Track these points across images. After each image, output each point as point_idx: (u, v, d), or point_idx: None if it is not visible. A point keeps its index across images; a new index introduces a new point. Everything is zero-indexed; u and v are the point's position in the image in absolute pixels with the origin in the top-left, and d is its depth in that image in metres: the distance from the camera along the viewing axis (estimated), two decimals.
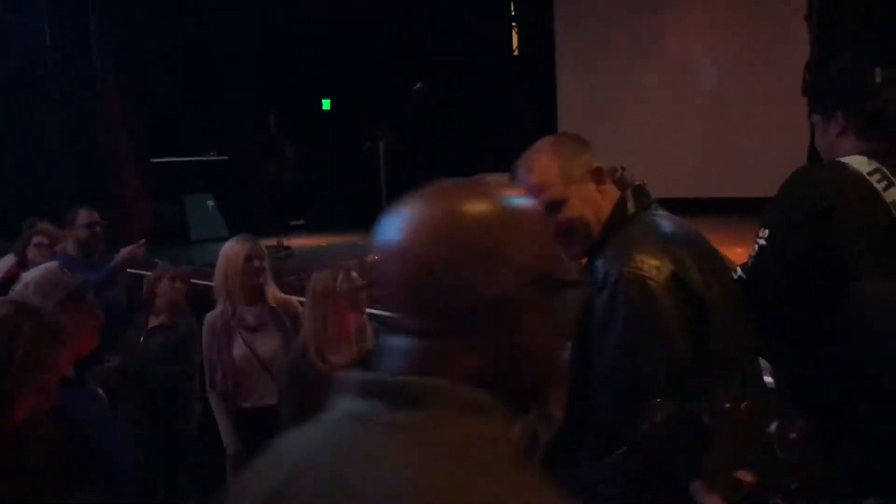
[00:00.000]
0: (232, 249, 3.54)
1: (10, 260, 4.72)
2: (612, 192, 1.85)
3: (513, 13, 12.97)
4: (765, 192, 3.05)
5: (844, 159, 2.00)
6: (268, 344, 3.51)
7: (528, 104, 12.60)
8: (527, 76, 12.72)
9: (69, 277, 2.27)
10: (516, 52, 13.04)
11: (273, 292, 3.63)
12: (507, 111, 12.33)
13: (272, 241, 8.80)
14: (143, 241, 4.31)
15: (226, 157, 10.71)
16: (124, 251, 4.21)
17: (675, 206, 4.11)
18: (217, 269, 3.56)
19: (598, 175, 1.84)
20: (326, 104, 12.58)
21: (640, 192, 1.85)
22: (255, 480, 0.89)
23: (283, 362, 3.33)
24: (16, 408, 1.69)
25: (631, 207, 1.79)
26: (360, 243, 9.01)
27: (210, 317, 3.55)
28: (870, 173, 1.92)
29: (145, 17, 9.57)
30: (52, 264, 2.47)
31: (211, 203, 10.34)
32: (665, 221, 1.80)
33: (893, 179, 1.91)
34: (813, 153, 3.44)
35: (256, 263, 3.52)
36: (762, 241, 1.93)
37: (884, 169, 1.93)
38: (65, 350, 1.81)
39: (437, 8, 11.50)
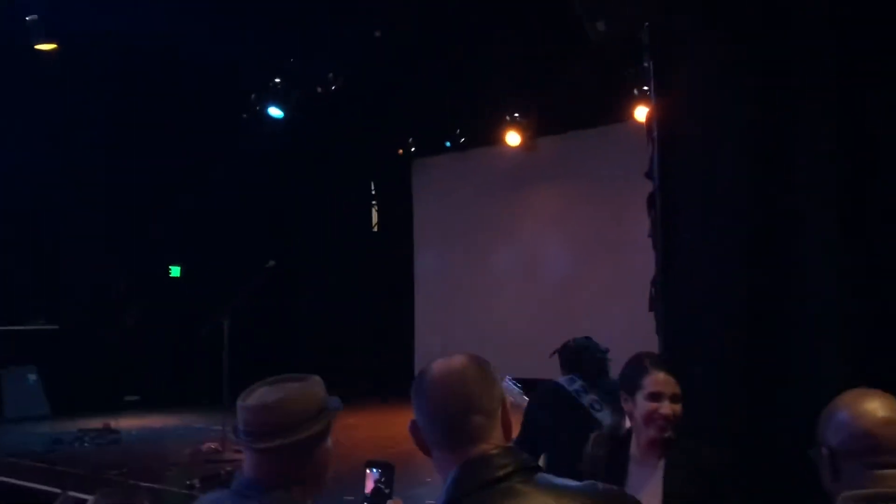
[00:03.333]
0: None
1: None
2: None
3: (373, 192, 13.31)
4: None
5: None
6: None
7: (387, 279, 12.68)
8: (385, 252, 12.89)
9: None
10: (376, 229, 13.26)
11: None
12: (364, 287, 12.34)
13: (97, 423, 8.08)
14: None
15: (56, 326, 9.91)
16: None
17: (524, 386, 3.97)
18: None
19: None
20: (176, 271, 12.12)
21: (477, 465, 1.42)
22: None
23: None
24: None
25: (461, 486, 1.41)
26: (195, 425, 8.41)
27: None
28: None
29: None
30: None
31: (33, 377, 9.43)
32: None
33: None
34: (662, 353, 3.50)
35: None
36: None
37: None
38: None
39: (295, 185, 11.62)
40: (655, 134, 3.42)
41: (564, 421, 3.32)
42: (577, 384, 3.44)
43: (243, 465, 1.82)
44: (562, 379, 3.52)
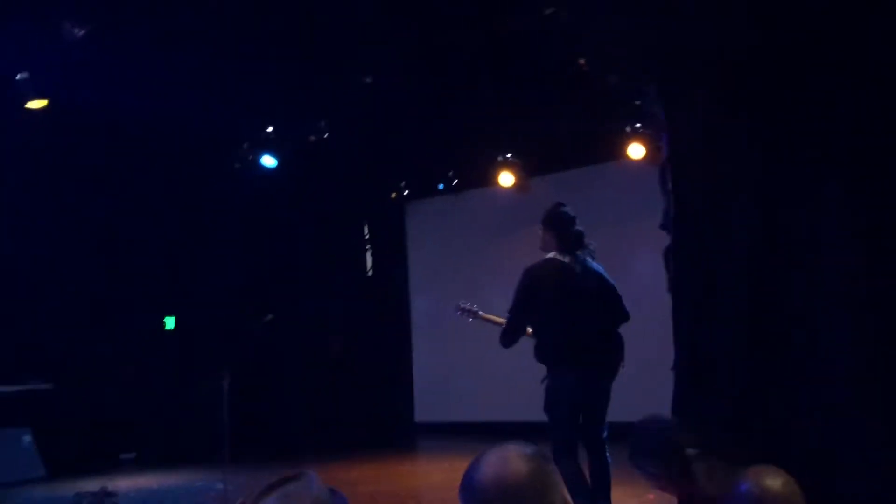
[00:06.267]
0: None
1: None
2: None
3: (366, 236, 13.24)
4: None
5: None
6: None
7: (383, 324, 12.55)
8: (381, 296, 12.77)
9: None
10: (370, 273, 13.16)
11: None
12: (361, 333, 12.20)
13: (94, 485, 7.85)
14: None
15: (50, 386, 9.69)
16: None
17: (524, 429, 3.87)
18: None
19: None
20: (171, 323, 11.95)
21: None
22: None
23: None
24: None
25: None
26: (196, 484, 8.20)
27: None
28: None
29: None
30: None
31: (28, 438, 9.20)
32: None
33: None
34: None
35: None
36: None
37: None
38: None
39: (289, 233, 11.53)
40: (670, 186, 3.37)
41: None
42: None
43: None
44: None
